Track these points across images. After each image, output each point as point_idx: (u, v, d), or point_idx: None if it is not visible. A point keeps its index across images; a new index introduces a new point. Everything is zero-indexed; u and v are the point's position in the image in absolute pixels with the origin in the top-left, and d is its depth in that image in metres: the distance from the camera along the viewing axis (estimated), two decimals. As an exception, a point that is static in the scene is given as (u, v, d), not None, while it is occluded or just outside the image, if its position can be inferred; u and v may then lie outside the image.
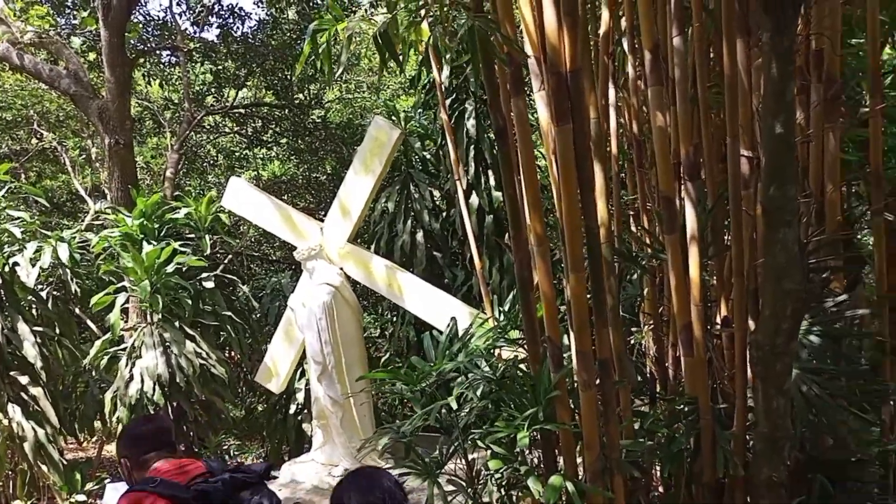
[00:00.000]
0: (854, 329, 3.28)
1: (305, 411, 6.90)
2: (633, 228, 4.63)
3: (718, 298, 3.40)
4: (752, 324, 2.94)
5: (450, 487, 3.00)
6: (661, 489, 3.33)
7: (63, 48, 7.33)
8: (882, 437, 3.13)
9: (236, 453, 8.24)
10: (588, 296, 2.70)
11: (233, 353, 7.70)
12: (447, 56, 3.82)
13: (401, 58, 3.59)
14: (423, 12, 4.35)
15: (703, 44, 3.39)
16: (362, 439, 5.52)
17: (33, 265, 6.42)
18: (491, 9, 3.16)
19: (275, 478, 3.26)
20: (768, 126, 2.51)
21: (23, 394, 6.02)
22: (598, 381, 2.67)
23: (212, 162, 12.96)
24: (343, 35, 3.40)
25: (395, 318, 7.80)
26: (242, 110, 11.48)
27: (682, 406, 3.01)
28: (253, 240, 12.09)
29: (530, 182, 2.88)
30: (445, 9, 3.01)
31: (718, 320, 3.36)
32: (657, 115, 3.03)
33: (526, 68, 2.96)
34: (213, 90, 11.42)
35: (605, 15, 3.75)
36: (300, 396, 6.87)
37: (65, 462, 6.22)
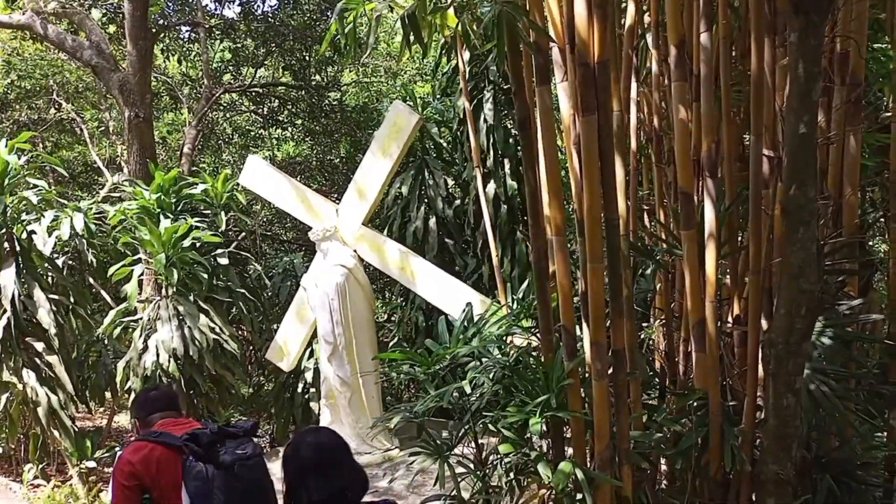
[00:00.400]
0: (866, 333, 3.31)
1: (313, 390, 6.98)
2: (647, 223, 4.65)
3: (731, 296, 3.43)
4: (764, 322, 2.98)
5: (459, 470, 3.05)
6: (665, 482, 3.37)
7: (86, 19, 7.38)
8: (888, 442, 3.17)
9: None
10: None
11: (243, 330, 7.78)
12: (473, 43, 3.83)
13: (425, 42, 3.61)
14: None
15: (728, 41, 3.39)
16: (372, 419, 5.60)
17: (50, 234, 6.50)
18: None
19: (261, 436, 3.35)
20: (792, 126, 2.53)
21: (37, 360, 6.13)
22: (610, 372, 2.71)
23: (227, 140, 13.00)
24: (371, 16, 3.41)
25: (403, 304, 7.85)
26: (259, 89, 11.50)
27: (691, 401, 3.05)
28: (265, 220, 12.15)
29: (552, 172, 2.91)
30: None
31: (730, 318, 3.39)
32: (680, 110, 3.04)
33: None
34: (230, 68, 11.45)
35: (630, 9, 3.75)
36: (308, 375, 6.94)
37: (76, 429, 6.33)
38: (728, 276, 3.53)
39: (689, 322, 3.09)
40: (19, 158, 6.43)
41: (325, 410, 5.94)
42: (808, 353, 2.73)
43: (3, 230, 6.38)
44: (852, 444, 3.00)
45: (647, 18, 4.01)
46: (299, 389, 7.06)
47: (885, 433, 3.34)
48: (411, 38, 2.93)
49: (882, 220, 4.49)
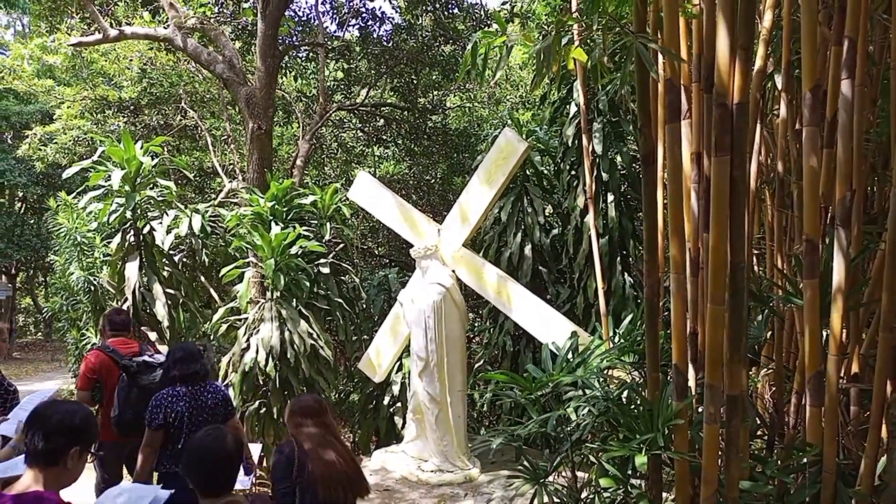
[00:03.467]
0: None
1: (398, 404, 7.10)
2: (756, 268, 4.52)
3: (850, 352, 3.28)
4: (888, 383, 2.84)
5: (554, 499, 3.05)
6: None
7: (221, 35, 7.92)
8: None
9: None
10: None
11: (337, 338, 8.02)
12: (602, 79, 3.87)
13: (550, 76, 3.69)
14: (576, 35, 4.44)
15: (863, 89, 3.29)
16: (457, 438, 5.65)
17: (168, 232, 6.96)
18: (652, 34, 3.21)
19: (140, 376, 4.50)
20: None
21: (150, 348, 6.54)
22: (723, 418, 2.66)
23: (331, 155, 13.54)
24: (502, 49, 3.53)
25: (492, 327, 7.89)
26: (367, 109, 11.95)
27: (801, 455, 2.93)
28: (360, 233, 12.56)
29: (675, 210, 2.90)
30: (609, 34, 3.07)
31: (842, 373, 3.24)
32: (811, 156, 2.97)
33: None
34: (342, 87, 11.97)
35: (760, 50, 3.70)
36: (395, 389, 7.07)
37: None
38: (844, 331, 3.39)
39: (805, 374, 2.98)
40: (152, 160, 6.95)
41: (410, 425, 6.03)
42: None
43: (131, 225, 6.91)
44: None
45: (770, 59, 3.95)
46: (385, 402, 7.20)
47: None
48: (543, 69, 3.02)
49: None
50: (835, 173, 2.98)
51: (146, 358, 4.50)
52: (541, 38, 3.10)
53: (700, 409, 2.89)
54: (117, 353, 4.44)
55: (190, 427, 3.74)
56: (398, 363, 7.01)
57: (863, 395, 3.20)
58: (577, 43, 4.12)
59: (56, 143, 12.77)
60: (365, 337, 7.76)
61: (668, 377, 3.12)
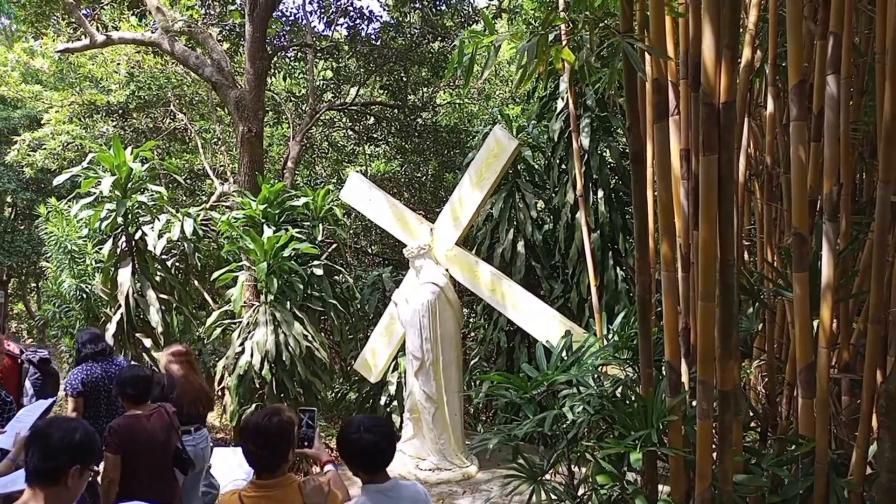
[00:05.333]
0: None
1: (395, 403, 7.12)
2: (745, 259, 4.55)
3: (841, 342, 3.32)
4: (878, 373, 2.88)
5: (551, 496, 3.07)
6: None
7: (209, 38, 7.89)
8: None
9: (323, 434, 8.59)
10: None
11: (332, 338, 8.02)
12: (591, 77, 3.87)
13: (537, 74, 3.70)
14: (563, 34, 4.44)
15: (848, 82, 3.32)
16: (454, 436, 5.67)
17: (160, 236, 6.94)
18: (639, 33, 3.22)
19: (48, 365, 5.15)
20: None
21: (144, 355, 6.53)
22: (716, 412, 2.68)
23: (322, 154, 13.50)
24: (490, 48, 3.53)
25: (486, 324, 7.92)
26: (358, 107, 11.93)
27: (793, 447, 2.96)
28: (352, 232, 12.54)
29: (666, 209, 2.92)
30: (595, 31, 3.08)
31: (833, 363, 3.28)
32: (799, 150, 2.99)
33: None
34: (331, 86, 11.94)
35: (746, 51, 3.73)
36: (392, 388, 7.09)
37: (174, 422, 6.69)
38: (834, 321, 3.42)
39: (797, 366, 3.01)
40: (142, 165, 6.92)
41: (407, 424, 6.05)
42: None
43: (122, 231, 6.88)
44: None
45: (758, 53, 3.97)
46: (382, 402, 7.22)
47: None
48: (529, 69, 3.03)
49: None
50: (822, 167, 3.01)
51: (42, 353, 5.19)
52: (528, 34, 3.11)
53: (693, 405, 2.92)
54: (11, 353, 5.00)
55: (105, 394, 4.54)
56: (394, 363, 7.03)
57: (854, 385, 3.23)
58: (564, 42, 4.14)
59: (45, 148, 12.66)
60: (360, 336, 7.78)
61: (662, 373, 3.15)
